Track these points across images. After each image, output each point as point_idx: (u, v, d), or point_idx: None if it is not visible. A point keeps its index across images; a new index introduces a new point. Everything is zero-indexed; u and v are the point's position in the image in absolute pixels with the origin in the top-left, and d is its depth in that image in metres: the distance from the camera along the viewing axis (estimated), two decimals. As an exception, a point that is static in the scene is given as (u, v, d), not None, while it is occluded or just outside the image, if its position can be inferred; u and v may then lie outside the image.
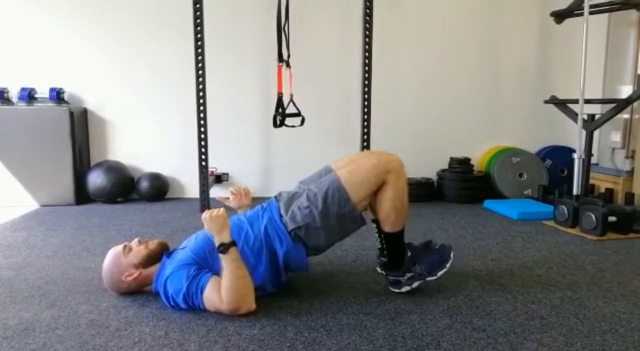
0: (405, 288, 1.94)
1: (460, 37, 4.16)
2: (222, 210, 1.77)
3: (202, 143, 3.43)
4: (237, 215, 2.02)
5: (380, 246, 2.08)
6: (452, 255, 1.94)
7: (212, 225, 1.75)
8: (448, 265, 1.93)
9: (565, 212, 3.04)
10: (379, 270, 2.13)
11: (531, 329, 1.67)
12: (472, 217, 3.41)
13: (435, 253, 1.97)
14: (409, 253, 1.98)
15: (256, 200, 2.24)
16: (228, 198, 2.22)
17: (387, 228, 1.92)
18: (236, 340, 1.58)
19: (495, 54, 4.23)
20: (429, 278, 1.93)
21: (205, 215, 1.76)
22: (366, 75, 3.53)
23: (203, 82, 3.36)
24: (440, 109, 4.21)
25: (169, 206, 3.74)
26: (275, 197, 1.99)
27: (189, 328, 1.67)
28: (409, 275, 1.94)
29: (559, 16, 3.47)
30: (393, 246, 1.96)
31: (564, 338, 1.61)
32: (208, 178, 3.51)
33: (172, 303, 1.79)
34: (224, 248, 1.71)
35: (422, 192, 3.86)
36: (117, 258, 1.88)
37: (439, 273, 1.92)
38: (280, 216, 1.88)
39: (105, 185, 3.71)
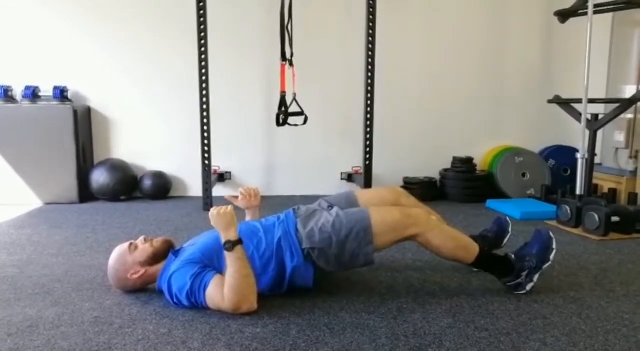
0: (529, 286, 1.93)
1: (463, 36, 4.15)
2: (230, 207, 1.77)
3: (205, 141, 3.44)
4: (252, 221, 2.03)
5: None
6: (551, 233, 1.95)
7: (219, 222, 1.75)
8: (555, 245, 1.94)
9: (569, 211, 3.04)
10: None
11: (534, 329, 1.67)
12: (475, 216, 3.40)
13: (536, 242, 1.97)
14: (513, 256, 1.95)
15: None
16: (237, 198, 2.22)
17: (467, 262, 1.93)
18: (239, 338, 1.59)
19: (499, 53, 4.22)
20: (545, 266, 1.93)
21: (213, 211, 1.76)
22: (369, 74, 3.53)
23: (206, 81, 3.37)
24: (443, 108, 4.21)
25: (172, 204, 3.74)
26: (294, 209, 1.99)
27: (192, 326, 1.67)
28: (524, 273, 1.92)
29: (563, 15, 3.46)
30: (488, 267, 1.96)
31: (567, 338, 1.61)
32: (211, 176, 3.52)
33: (175, 300, 1.79)
34: (231, 245, 1.72)
35: (424, 191, 3.85)
36: (123, 256, 1.89)
37: (551, 257, 1.93)
38: (297, 231, 1.87)
39: (109, 184, 3.72)
